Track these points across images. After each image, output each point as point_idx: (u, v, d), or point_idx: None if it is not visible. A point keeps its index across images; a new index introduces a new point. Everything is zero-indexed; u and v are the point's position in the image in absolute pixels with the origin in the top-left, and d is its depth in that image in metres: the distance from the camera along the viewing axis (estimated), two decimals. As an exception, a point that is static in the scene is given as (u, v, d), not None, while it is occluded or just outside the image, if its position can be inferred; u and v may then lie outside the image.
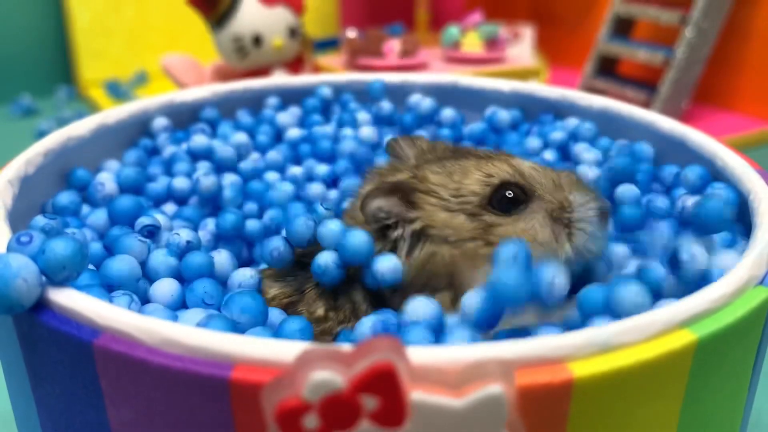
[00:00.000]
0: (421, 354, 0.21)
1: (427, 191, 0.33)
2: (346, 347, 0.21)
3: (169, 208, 0.42)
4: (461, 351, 0.21)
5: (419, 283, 0.32)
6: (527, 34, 1.16)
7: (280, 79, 0.53)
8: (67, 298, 0.25)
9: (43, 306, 0.25)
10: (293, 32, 0.78)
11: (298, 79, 0.54)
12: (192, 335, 0.23)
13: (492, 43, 0.91)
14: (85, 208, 0.40)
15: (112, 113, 0.45)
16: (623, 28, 1.07)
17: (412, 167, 0.35)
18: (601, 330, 0.23)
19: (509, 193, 0.32)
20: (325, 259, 0.32)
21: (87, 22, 1.16)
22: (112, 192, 0.40)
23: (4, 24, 1.16)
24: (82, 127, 0.43)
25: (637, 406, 0.24)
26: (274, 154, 0.46)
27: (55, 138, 0.41)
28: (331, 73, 0.56)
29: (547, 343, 0.22)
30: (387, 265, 0.31)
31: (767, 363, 0.32)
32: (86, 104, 1.15)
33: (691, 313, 0.25)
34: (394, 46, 0.85)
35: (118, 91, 1.10)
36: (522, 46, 1.09)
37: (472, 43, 0.89)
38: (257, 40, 0.75)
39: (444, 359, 0.21)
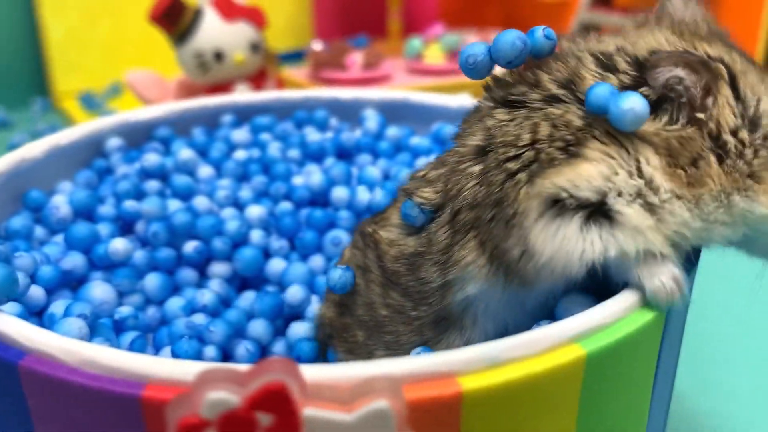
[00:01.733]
0: (314, 372, 0.23)
1: (735, 93, 0.28)
2: (242, 368, 0.22)
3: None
4: (352, 369, 0.23)
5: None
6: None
7: (235, 96, 0.54)
8: (-5, 321, 0.26)
9: (-26, 329, 0.27)
10: (255, 47, 0.79)
11: (253, 96, 0.55)
12: (108, 356, 0.24)
13: (454, 54, 0.93)
14: (40, 230, 0.42)
15: (65, 134, 0.47)
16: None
17: (730, 49, 0.29)
18: (491, 345, 0.25)
19: None
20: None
21: (62, 35, 1.17)
22: (67, 215, 0.42)
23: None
24: (35, 149, 0.44)
25: (531, 418, 0.26)
26: (224, 182, 0.47)
27: (7, 160, 0.42)
28: (285, 90, 0.57)
29: (436, 359, 0.24)
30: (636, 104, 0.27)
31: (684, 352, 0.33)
32: (61, 116, 1.17)
33: (581, 329, 0.26)
34: (356, 58, 0.87)
35: (92, 103, 1.11)
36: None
37: (435, 55, 0.91)
38: (219, 56, 0.77)
39: (336, 377, 0.23)
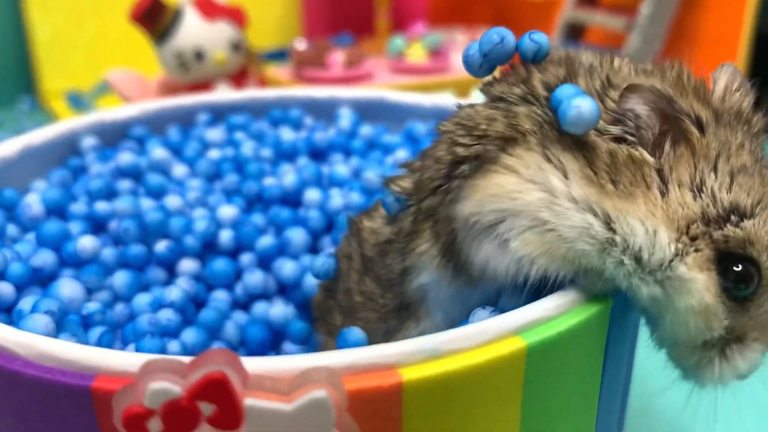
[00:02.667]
0: (255, 364, 0.24)
1: (697, 157, 0.26)
2: (185, 359, 0.23)
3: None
4: (293, 361, 0.24)
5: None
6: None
7: (210, 95, 0.55)
8: (-47, 316, 0.27)
9: (-68, 323, 0.28)
10: (236, 46, 0.80)
11: (228, 95, 0.56)
12: (61, 349, 0.25)
13: (436, 53, 0.94)
14: (13, 228, 0.43)
15: (39, 134, 0.48)
16: (574, 33, 1.10)
17: (699, 101, 0.28)
18: (432, 338, 0.25)
19: (740, 269, 0.26)
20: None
21: (49, 35, 1.18)
22: (39, 213, 0.43)
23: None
24: (7, 149, 0.45)
25: (474, 408, 0.26)
26: (195, 183, 0.48)
27: (-21, 160, 0.43)
28: (260, 89, 0.58)
29: (378, 351, 0.25)
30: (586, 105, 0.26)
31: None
32: (48, 116, 1.17)
33: (522, 322, 0.27)
34: (338, 57, 0.88)
35: (79, 103, 1.12)
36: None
37: (417, 54, 0.92)
38: (199, 55, 0.78)
39: (277, 368, 0.24)
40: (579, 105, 0.26)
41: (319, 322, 0.38)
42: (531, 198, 0.27)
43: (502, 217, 0.27)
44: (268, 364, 0.24)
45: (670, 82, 0.28)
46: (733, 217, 0.26)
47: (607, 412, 0.33)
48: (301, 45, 0.90)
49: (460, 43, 1.16)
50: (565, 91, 0.27)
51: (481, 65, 0.30)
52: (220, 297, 0.41)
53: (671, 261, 0.26)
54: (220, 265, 0.40)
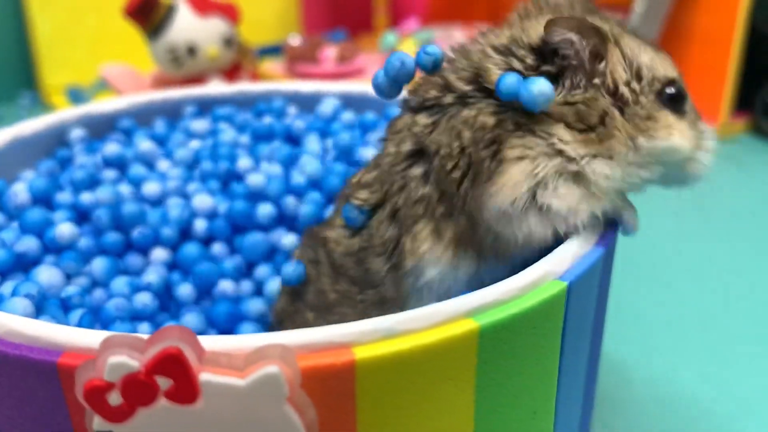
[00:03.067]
0: (212, 341, 0.25)
1: (621, 54, 0.32)
2: (143, 336, 0.24)
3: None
4: (248, 339, 0.25)
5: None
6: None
7: (196, 89, 0.56)
8: (-71, 296, 0.28)
9: None
10: (228, 41, 0.81)
11: (215, 89, 0.57)
12: (29, 326, 0.26)
13: (427, 49, 0.95)
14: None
15: (28, 125, 0.49)
16: (570, 31, 1.10)
17: (606, 20, 0.34)
18: (386, 319, 0.26)
19: (674, 91, 0.33)
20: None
21: (49, 30, 1.19)
22: (25, 201, 0.44)
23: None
24: (-3, 139, 0.46)
25: (427, 387, 0.27)
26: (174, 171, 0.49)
27: (-32, 150, 0.44)
28: (248, 83, 0.59)
29: (332, 330, 0.26)
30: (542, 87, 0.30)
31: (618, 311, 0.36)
32: (48, 110, 1.19)
33: (475, 305, 0.28)
34: (330, 53, 0.89)
35: (79, 97, 1.13)
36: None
37: (409, 50, 0.93)
38: (191, 50, 0.79)
39: (232, 345, 0.25)
40: (540, 89, 0.30)
41: (286, 323, 0.39)
42: (550, 165, 0.31)
43: (533, 192, 0.31)
44: (224, 341, 0.25)
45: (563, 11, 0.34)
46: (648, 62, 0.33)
47: (567, 397, 0.34)
48: (294, 40, 0.91)
49: (458, 39, 1.16)
50: (510, 80, 0.30)
51: (390, 88, 0.32)
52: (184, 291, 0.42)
53: (652, 146, 0.32)
54: (191, 250, 0.41)
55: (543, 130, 0.31)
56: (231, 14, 0.81)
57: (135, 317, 0.37)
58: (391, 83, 0.33)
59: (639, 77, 0.32)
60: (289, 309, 0.39)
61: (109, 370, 0.23)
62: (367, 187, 0.35)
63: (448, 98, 0.32)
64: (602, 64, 0.32)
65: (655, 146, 0.32)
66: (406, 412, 0.27)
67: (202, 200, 0.44)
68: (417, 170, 0.33)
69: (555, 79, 0.31)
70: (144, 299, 0.38)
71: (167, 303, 0.40)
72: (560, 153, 0.31)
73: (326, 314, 0.36)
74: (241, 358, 0.25)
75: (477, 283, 0.33)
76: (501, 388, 0.30)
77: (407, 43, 0.94)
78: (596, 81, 0.31)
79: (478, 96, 0.32)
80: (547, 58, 0.31)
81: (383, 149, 0.35)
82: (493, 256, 0.33)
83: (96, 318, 0.38)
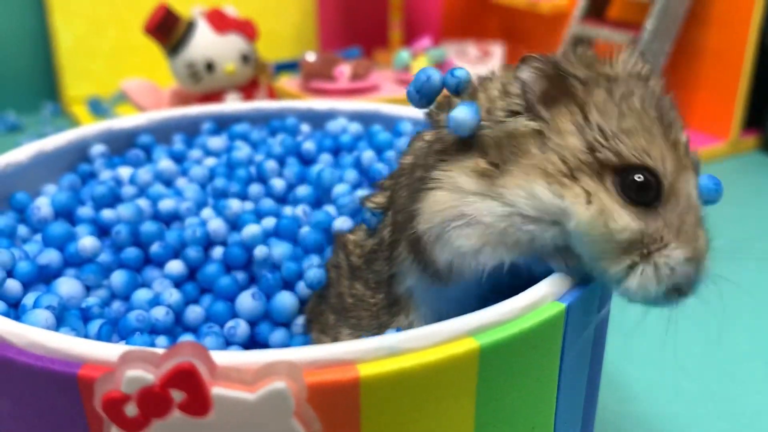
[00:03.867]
0: (223, 357, 0.26)
1: (581, 105, 0.30)
2: (159, 351, 0.25)
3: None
4: (257, 355, 0.26)
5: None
6: (497, 52, 1.21)
7: (213, 106, 0.58)
8: (-44, 308, 0.30)
9: (-60, 314, 0.30)
10: (246, 58, 0.83)
11: (231, 106, 0.59)
12: (50, 339, 0.28)
13: (440, 66, 0.96)
14: (24, 229, 0.45)
15: (51, 140, 0.50)
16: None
17: (586, 67, 0.31)
18: (390, 337, 0.28)
19: (640, 178, 0.29)
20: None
21: (71, 43, 1.22)
22: (47, 215, 0.45)
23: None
24: (21, 154, 0.48)
25: (428, 402, 0.28)
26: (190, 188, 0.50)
27: (-7, 164, 0.46)
28: (263, 101, 0.61)
29: (337, 348, 0.27)
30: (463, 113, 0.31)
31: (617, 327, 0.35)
32: (69, 121, 1.21)
33: (476, 325, 0.29)
34: (344, 69, 0.90)
35: (99, 108, 1.15)
36: (491, 64, 1.13)
37: (421, 67, 0.94)
38: (210, 66, 0.81)
39: (242, 361, 0.26)
40: (455, 114, 0.31)
41: (312, 323, 0.42)
42: (452, 202, 0.31)
43: (446, 224, 0.31)
44: (234, 357, 0.26)
45: (566, 57, 0.31)
46: (623, 137, 0.29)
47: (566, 414, 0.35)
48: (310, 57, 0.93)
49: (472, 55, 1.18)
50: (453, 109, 0.31)
51: (419, 100, 0.34)
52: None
53: (558, 200, 0.29)
54: (211, 269, 0.43)
55: (454, 163, 0.32)
56: (248, 31, 0.83)
57: (152, 330, 0.39)
58: (419, 95, 0.34)
59: (587, 138, 0.29)
60: (316, 310, 0.41)
61: (127, 382, 0.25)
62: (384, 191, 0.37)
63: (438, 119, 0.34)
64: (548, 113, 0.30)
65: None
66: (408, 427, 0.28)
67: (216, 224, 0.45)
68: (404, 179, 0.35)
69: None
70: (161, 313, 0.39)
71: (183, 317, 0.41)
72: (462, 191, 0.32)
73: (345, 318, 0.38)
74: (251, 373, 0.26)
75: (445, 300, 0.34)
76: (500, 405, 0.31)
77: (420, 61, 0.96)
78: (534, 126, 0.30)
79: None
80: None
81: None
82: (438, 278, 0.33)
83: (114, 329, 0.40)
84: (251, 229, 0.43)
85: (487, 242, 0.31)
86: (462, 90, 0.34)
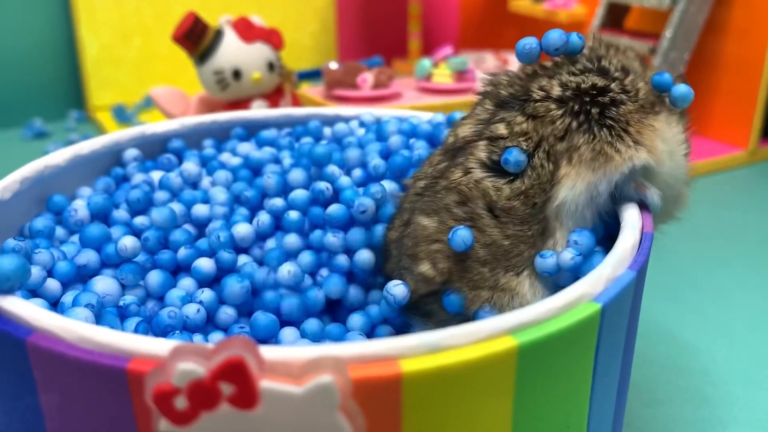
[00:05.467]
0: (271, 351, 0.27)
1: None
2: (209, 345, 0.26)
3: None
4: (304, 350, 0.27)
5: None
6: (515, 61, 1.22)
7: (242, 113, 0.59)
8: (9, 304, 0.31)
9: (-8, 310, 0.31)
10: (272, 66, 0.84)
11: (260, 113, 0.60)
12: (100, 334, 0.28)
13: (461, 74, 0.97)
14: (61, 231, 0.46)
15: (87, 144, 0.51)
16: (602, 57, 1.12)
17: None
18: (432, 334, 0.28)
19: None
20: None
21: (96, 52, 1.24)
22: (84, 217, 0.46)
23: (19, 53, 1.24)
24: (58, 157, 0.49)
25: (468, 399, 0.29)
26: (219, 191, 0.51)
27: (32, 167, 0.47)
28: (291, 108, 0.61)
29: (381, 344, 0.28)
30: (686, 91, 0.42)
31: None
32: (95, 128, 1.23)
33: (515, 323, 0.30)
34: (368, 77, 0.91)
35: (124, 116, 1.17)
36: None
37: (443, 75, 0.95)
38: (237, 74, 0.82)
39: (289, 355, 0.27)
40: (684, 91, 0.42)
41: (456, 284, 0.40)
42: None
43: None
44: (282, 352, 0.27)
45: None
46: None
47: (599, 413, 0.35)
48: (333, 66, 0.94)
49: (490, 65, 1.19)
50: (664, 77, 0.42)
51: (537, 54, 0.42)
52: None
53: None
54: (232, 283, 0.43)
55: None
56: (274, 40, 0.84)
57: (185, 327, 0.39)
58: (540, 52, 0.41)
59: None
60: (455, 270, 0.39)
61: (178, 375, 0.25)
62: (524, 135, 0.40)
63: (594, 72, 0.41)
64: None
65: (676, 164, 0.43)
66: (448, 423, 0.29)
67: (242, 228, 0.46)
68: (559, 111, 0.40)
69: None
70: (192, 310, 0.40)
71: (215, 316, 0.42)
72: None
73: (504, 260, 0.39)
74: (298, 367, 0.26)
75: (592, 204, 0.40)
76: (537, 403, 0.31)
77: (442, 69, 0.97)
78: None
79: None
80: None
81: (529, 103, 0.41)
82: (605, 164, 0.39)
83: (149, 327, 0.40)
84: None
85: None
86: (582, 50, 0.42)
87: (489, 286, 0.39)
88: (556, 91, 0.40)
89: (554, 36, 0.41)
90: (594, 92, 0.40)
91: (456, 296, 0.39)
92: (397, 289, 0.39)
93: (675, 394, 0.52)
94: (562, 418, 0.33)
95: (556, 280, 0.39)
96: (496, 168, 0.40)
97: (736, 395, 0.52)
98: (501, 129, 0.40)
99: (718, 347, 0.58)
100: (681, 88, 0.41)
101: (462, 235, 0.38)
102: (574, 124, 0.39)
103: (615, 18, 1.13)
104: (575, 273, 0.38)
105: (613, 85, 0.40)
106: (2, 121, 1.24)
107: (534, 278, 0.39)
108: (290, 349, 0.27)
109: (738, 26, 1.02)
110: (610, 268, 0.34)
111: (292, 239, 0.46)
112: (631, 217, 0.39)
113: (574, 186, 0.39)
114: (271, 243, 0.47)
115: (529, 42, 0.41)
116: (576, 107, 0.40)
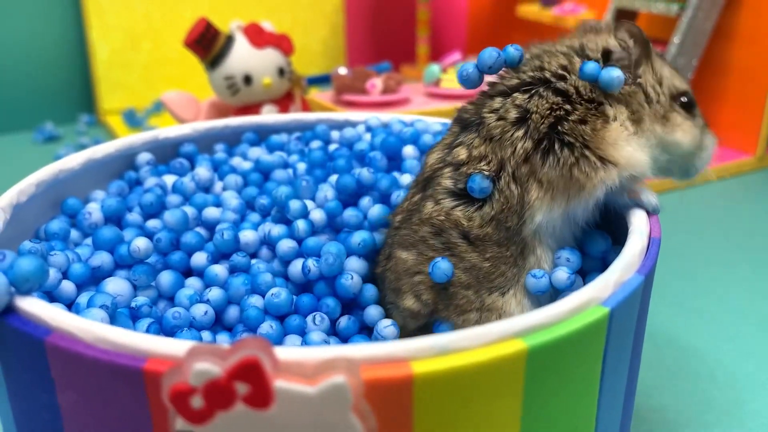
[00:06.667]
0: (285, 352, 0.27)
1: (652, 63, 0.43)
2: (224, 345, 0.27)
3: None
4: (317, 351, 0.27)
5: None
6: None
7: (254, 117, 0.59)
8: (27, 304, 0.31)
9: (11, 310, 0.32)
10: (282, 71, 0.85)
11: (271, 118, 0.60)
12: (117, 334, 0.29)
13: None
14: (75, 233, 0.47)
15: (101, 148, 0.52)
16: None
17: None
18: (442, 337, 0.29)
19: (686, 100, 0.43)
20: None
21: (107, 56, 1.25)
22: (98, 220, 0.47)
23: (31, 57, 1.26)
24: (72, 161, 0.50)
25: (477, 401, 0.29)
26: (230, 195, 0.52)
27: (47, 170, 0.48)
28: (300, 113, 0.62)
29: (393, 345, 0.28)
30: (619, 74, 0.40)
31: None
32: (105, 132, 1.24)
33: (524, 327, 0.30)
34: (376, 83, 0.92)
35: (134, 120, 1.18)
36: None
37: (451, 80, 0.96)
38: (248, 79, 0.83)
39: (303, 356, 0.27)
40: (614, 71, 0.40)
41: (443, 312, 0.40)
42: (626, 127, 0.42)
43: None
44: (296, 352, 0.27)
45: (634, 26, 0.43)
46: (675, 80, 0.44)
47: (607, 416, 0.36)
48: (342, 71, 0.94)
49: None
50: (590, 66, 0.40)
51: (478, 78, 0.42)
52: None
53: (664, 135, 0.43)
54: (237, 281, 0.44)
55: (615, 107, 0.41)
56: (285, 46, 0.85)
57: (192, 327, 0.40)
58: (481, 74, 0.41)
59: (661, 84, 0.43)
60: (441, 299, 0.40)
61: (194, 375, 0.26)
62: (483, 159, 0.40)
63: (539, 82, 0.41)
64: (640, 69, 0.42)
65: (665, 137, 0.42)
66: (458, 424, 0.29)
67: (248, 234, 0.46)
68: (520, 132, 0.39)
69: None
70: (201, 310, 0.40)
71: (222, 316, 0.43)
72: (626, 125, 0.41)
73: (487, 282, 0.40)
74: (311, 368, 0.27)
75: (571, 222, 0.41)
76: (545, 406, 0.32)
77: (450, 74, 0.97)
78: (639, 81, 0.42)
79: (569, 80, 0.41)
80: (606, 60, 0.42)
81: (486, 125, 0.40)
82: (579, 191, 0.39)
83: (161, 329, 0.41)
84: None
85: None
86: (520, 62, 0.42)
87: (476, 308, 0.40)
88: (512, 114, 0.40)
89: (485, 56, 0.41)
90: (546, 110, 0.39)
91: (446, 325, 0.40)
92: (387, 330, 0.40)
93: (682, 398, 0.52)
94: (570, 421, 0.33)
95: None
96: (464, 194, 0.40)
97: (743, 399, 0.52)
98: (461, 154, 0.41)
99: (725, 351, 0.58)
100: (606, 73, 0.39)
101: (442, 267, 0.39)
102: (529, 144, 0.39)
103: (623, 24, 1.13)
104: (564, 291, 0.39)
105: (557, 99, 0.40)
106: (14, 124, 1.25)
107: (521, 296, 0.40)
108: (304, 350, 0.27)
109: (746, 32, 1.02)
110: (618, 273, 0.34)
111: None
112: (639, 223, 0.39)
113: (551, 211, 0.39)
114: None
115: (466, 68, 0.41)
116: (530, 127, 0.39)
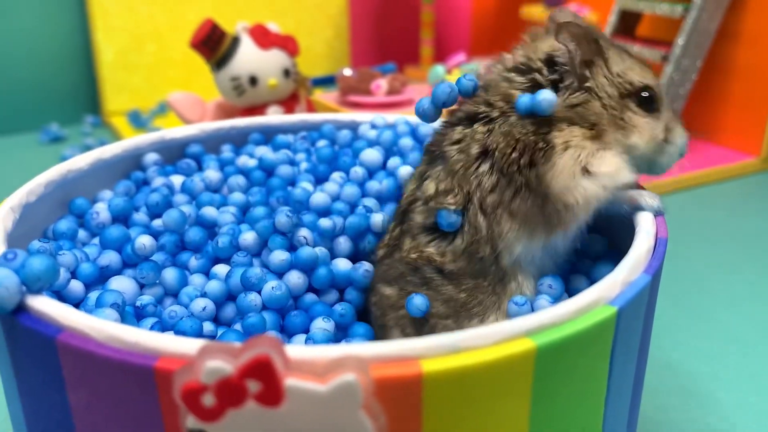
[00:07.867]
0: (296, 350, 0.27)
1: (605, 60, 0.40)
2: (236, 343, 0.27)
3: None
4: (328, 349, 0.28)
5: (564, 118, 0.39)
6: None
7: (260, 118, 0.59)
8: (39, 303, 0.32)
9: (22, 309, 0.32)
10: (287, 72, 0.85)
11: (277, 118, 0.61)
12: (129, 333, 0.29)
13: (475, 81, 0.98)
14: (83, 233, 0.47)
15: (109, 149, 0.52)
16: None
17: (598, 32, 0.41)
18: (452, 335, 0.29)
19: (647, 95, 0.40)
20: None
21: (112, 57, 1.25)
22: (105, 220, 0.47)
23: (36, 58, 1.26)
24: (81, 161, 0.50)
25: (486, 399, 0.30)
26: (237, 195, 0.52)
27: (56, 170, 0.48)
28: (307, 114, 0.62)
29: (402, 344, 0.28)
30: (546, 96, 0.38)
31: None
32: (110, 132, 1.24)
33: (534, 325, 0.30)
34: (381, 84, 0.92)
35: (139, 121, 1.18)
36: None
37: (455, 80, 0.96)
38: (253, 80, 0.83)
39: (314, 355, 0.27)
40: (540, 95, 0.38)
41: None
42: (585, 149, 0.39)
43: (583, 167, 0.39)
44: (306, 351, 0.27)
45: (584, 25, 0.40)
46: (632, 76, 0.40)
47: (614, 415, 0.36)
48: (347, 72, 0.95)
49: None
50: (523, 99, 0.39)
51: (435, 112, 0.42)
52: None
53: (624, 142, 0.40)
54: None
55: (562, 130, 0.39)
56: (290, 47, 0.86)
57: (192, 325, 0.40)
58: (436, 108, 0.41)
59: (614, 83, 0.40)
60: (423, 330, 0.41)
61: (206, 373, 0.26)
62: (449, 193, 0.39)
63: (495, 113, 0.40)
64: (588, 71, 0.39)
65: (624, 141, 0.40)
66: (467, 422, 0.30)
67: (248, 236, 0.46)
68: (485, 167, 0.39)
69: (556, 87, 0.39)
70: (201, 305, 0.41)
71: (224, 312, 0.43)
72: (585, 147, 0.38)
73: (465, 311, 0.40)
74: (322, 366, 0.27)
75: (553, 252, 0.40)
76: (554, 405, 0.32)
77: (455, 75, 0.98)
78: (588, 85, 0.39)
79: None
80: (552, 67, 0.40)
81: (449, 159, 0.40)
82: (558, 223, 0.38)
83: (165, 326, 0.41)
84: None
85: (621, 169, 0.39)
86: (475, 92, 0.41)
87: None
88: (474, 149, 0.39)
89: (438, 91, 0.41)
90: (504, 149, 0.38)
91: None
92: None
93: (687, 400, 0.52)
94: (578, 420, 0.33)
95: None
96: (436, 228, 0.40)
97: (748, 401, 0.52)
98: (430, 189, 0.41)
99: (730, 353, 0.58)
100: (535, 100, 0.38)
101: (416, 303, 0.39)
102: (495, 178, 0.38)
103: (627, 25, 1.13)
104: None
105: (508, 140, 0.38)
106: (19, 125, 1.26)
107: (501, 321, 0.38)
108: (315, 348, 0.28)
109: (750, 33, 1.02)
110: (626, 272, 0.35)
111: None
112: (646, 223, 0.40)
113: (530, 243, 0.39)
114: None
115: (421, 104, 0.42)
116: (495, 164, 0.38)
